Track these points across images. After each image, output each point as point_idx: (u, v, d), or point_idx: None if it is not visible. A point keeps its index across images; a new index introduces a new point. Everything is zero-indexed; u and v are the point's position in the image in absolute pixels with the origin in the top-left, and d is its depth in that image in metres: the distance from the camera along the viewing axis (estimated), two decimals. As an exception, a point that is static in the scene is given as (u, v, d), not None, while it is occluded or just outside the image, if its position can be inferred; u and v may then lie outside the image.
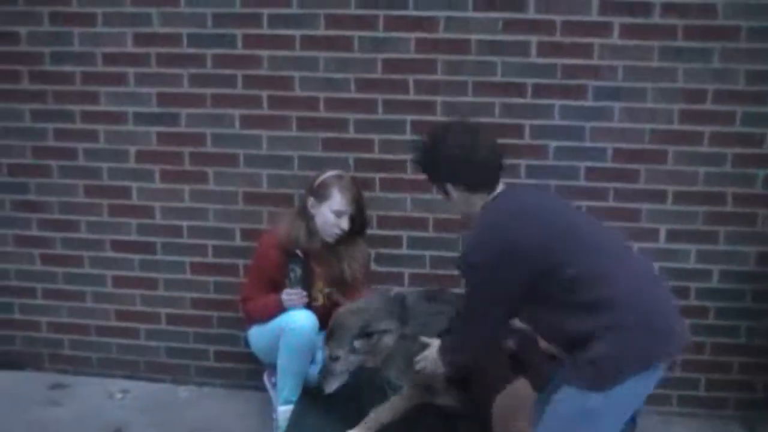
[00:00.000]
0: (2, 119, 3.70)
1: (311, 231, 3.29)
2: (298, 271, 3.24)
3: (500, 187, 2.56)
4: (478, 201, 2.53)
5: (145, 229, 3.71)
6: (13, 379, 3.87)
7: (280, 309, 3.23)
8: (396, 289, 3.29)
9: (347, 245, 3.35)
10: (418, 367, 2.83)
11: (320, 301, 3.35)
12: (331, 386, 2.98)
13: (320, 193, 3.27)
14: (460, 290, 2.91)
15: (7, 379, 3.88)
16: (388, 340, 2.95)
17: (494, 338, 2.64)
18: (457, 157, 2.50)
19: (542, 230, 2.36)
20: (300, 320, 3.18)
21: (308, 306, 3.26)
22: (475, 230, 2.48)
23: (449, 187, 2.55)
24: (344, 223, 3.26)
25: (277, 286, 3.28)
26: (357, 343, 2.94)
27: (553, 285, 2.31)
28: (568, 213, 2.57)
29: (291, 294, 3.23)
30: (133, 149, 3.65)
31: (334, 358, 2.95)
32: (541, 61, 3.38)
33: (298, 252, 3.26)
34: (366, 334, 2.94)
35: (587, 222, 2.55)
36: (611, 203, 3.46)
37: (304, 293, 3.24)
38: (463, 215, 2.67)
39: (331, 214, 3.24)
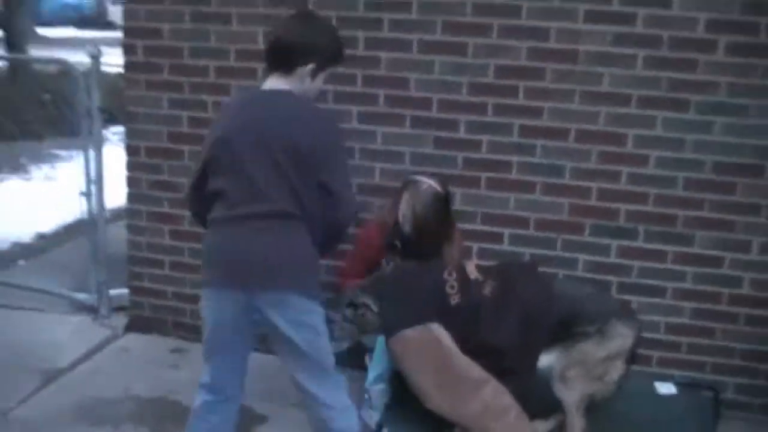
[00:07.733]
0: (144, 106, 4.02)
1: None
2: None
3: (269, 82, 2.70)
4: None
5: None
6: (141, 341, 4.20)
7: None
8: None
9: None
10: None
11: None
12: (334, 349, 3.08)
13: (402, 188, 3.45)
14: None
15: (136, 341, 4.21)
16: (371, 316, 3.12)
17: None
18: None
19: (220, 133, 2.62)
20: None
21: None
22: None
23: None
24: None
25: (374, 268, 3.44)
26: (347, 311, 3.15)
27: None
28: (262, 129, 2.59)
29: None
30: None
31: (330, 321, 3.07)
32: (646, 73, 3.50)
33: (397, 243, 3.40)
34: (352, 304, 3.14)
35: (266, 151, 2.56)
36: (705, 213, 3.58)
37: None
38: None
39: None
